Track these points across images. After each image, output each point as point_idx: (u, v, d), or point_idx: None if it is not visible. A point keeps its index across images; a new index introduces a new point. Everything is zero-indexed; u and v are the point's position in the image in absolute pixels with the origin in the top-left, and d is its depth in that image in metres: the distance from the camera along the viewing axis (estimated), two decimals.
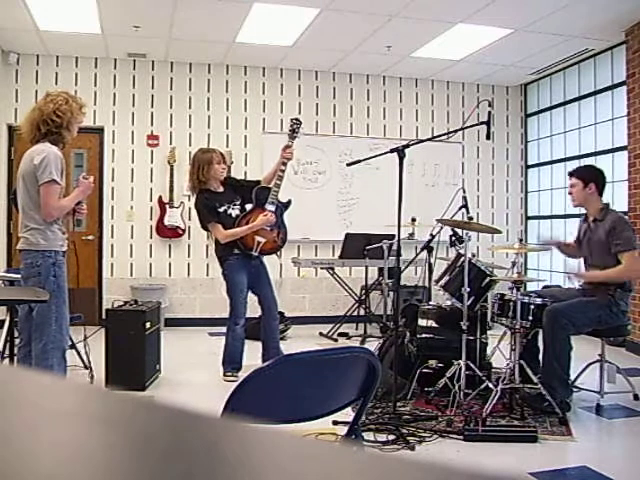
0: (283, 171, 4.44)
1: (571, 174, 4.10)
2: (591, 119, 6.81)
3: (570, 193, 4.08)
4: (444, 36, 6.08)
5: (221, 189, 4.53)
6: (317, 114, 7.47)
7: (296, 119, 4.57)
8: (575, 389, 4.01)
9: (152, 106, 7.06)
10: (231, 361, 4.48)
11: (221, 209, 4.44)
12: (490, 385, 3.68)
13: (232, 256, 4.45)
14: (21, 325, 3.44)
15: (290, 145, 4.48)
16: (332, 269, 6.47)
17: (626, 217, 4.03)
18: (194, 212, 4.62)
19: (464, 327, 3.79)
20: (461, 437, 3.22)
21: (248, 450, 0.34)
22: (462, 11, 5.44)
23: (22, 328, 3.43)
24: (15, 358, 3.36)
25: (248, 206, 4.53)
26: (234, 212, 4.48)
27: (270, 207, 4.43)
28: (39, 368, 3.21)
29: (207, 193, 4.45)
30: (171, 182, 6.94)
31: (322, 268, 6.67)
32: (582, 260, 4.16)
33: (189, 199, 4.71)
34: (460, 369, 3.72)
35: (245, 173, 7.03)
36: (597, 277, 3.81)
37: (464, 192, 4.58)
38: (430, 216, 4.95)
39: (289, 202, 4.63)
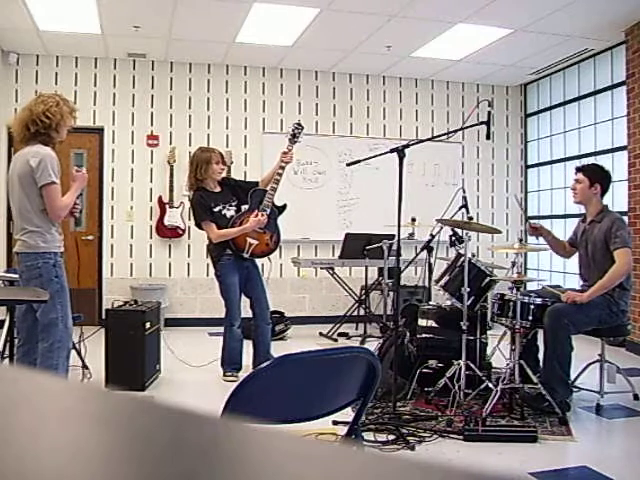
0: (280, 175, 4.43)
1: (579, 169, 4.05)
2: (591, 119, 6.81)
3: (574, 188, 4.04)
4: (444, 36, 6.08)
5: (218, 189, 4.53)
6: (317, 114, 7.47)
7: (298, 123, 4.55)
8: (575, 389, 4.01)
9: (152, 106, 7.07)
10: (231, 362, 4.48)
11: (216, 209, 4.44)
12: (490, 385, 3.68)
13: (224, 257, 4.45)
14: (18, 325, 3.45)
15: (290, 149, 4.48)
16: (332, 269, 6.47)
17: (623, 217, 4.01)
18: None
19: (464, 327, 3.79)
20: (461, 437, 3.22)
21: (248, 450, 0.34)
22: (462, 11, 5.44)
23: (20, 328, 3.45)
24: (14, 358, 3.37)
25: (244, 207, 4.53)
26: (229, 213, 4.48)
27: (264, 210, 4.43)
28: (44, 367, 3.23)
29: (203, 192, 4.46)
30: (171, 182, 6.94)
31: (322, 268, 6.67)
32: (578, 263, 4.15)
33: (189, 199, 4.71)
34: (460, 369, 3.72)
35: (245, 173, 7.03)
36: (594, 293, 3.75)
37: (464, 192, 4.57)
38: (430, 216, 4.95)
39: (284, 206, 4.62)
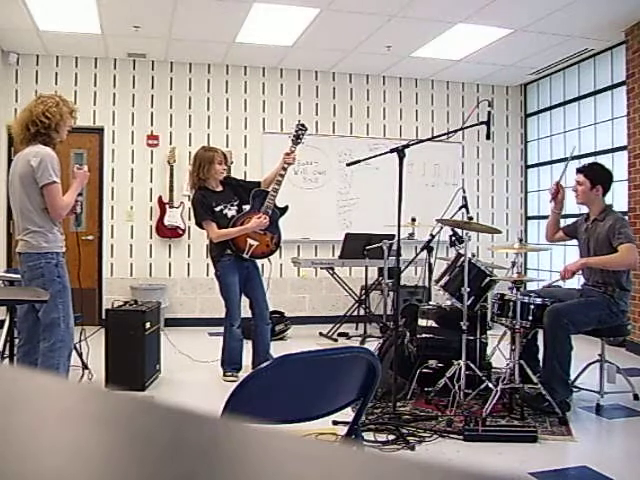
0: (282, 176, 4.42)
1: (580, 171, 4.02)
2: (591, 119, 6.81)
3: (575, 190, 4.03)
4: (444, 36, 6.08)
5: (220, 188, 4.53)
6: (317, 114, 7.47)
7: (302, 125, 4.51)
8: (575, 389, 4.01)
9: (152, 106, 7.07)
10: (231, 362, 4.48)
11: (217, 208, 4.43)
12: (490, 385, 3.68)
13: (224, 257, 4.45)
14: (20, 325, 3.46)
15: (293, 150, 4.46)
16: (332, 269, 6.47)
17: (625, 217, 4.02)
18: None
19: (464, 327, 3.79)
20: (461, 437, 3.22)
21: (248, 450, 0.34)
22: (462, 11, 5.44)
23: (21, 328, 3.46)
24: (15, 358, 3.37)
25: (246, 207, 4.52)
26: (230, 212, 4.47)
27: (266, 211, 4.42)
28: (45, 367, 3.24)
29: (205, 191, 4.45)
30: (171, 182, 6.94)
31: (322, 268, 6.67)
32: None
33: (189, 199, 4.71)
34: (460, 369, 3.72)
35: (245, 173, 7.03)
36: (590, 263, 3.81)
37: (464, 192, 4.58)
38: (430, 216, 4.95)
39: (286, 207, 4.61)
